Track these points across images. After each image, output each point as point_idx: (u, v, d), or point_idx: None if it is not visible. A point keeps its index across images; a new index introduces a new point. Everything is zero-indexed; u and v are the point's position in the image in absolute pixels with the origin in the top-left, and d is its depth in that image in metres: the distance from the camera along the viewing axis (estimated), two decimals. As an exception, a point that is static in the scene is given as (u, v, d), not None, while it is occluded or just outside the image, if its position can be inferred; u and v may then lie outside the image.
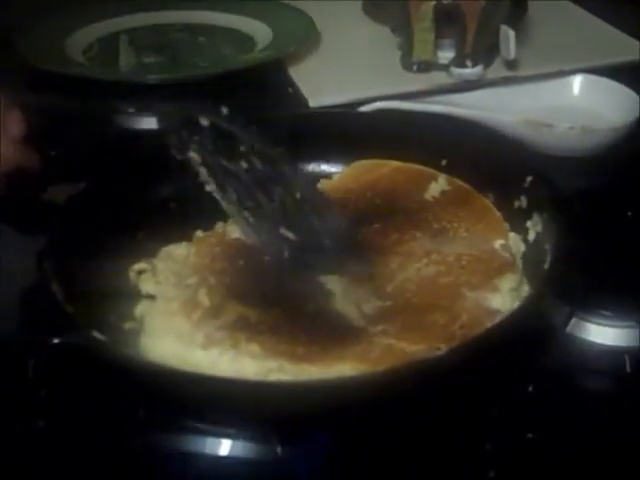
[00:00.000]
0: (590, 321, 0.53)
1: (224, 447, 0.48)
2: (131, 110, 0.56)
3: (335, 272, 0.55)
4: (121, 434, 0.49)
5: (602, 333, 0.53)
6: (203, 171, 0.55)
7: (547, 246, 0.55)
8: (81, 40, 0.90)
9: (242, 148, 0.53)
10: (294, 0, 0.96)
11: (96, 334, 0.48)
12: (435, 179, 0.63)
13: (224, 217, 0.59)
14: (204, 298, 0.53)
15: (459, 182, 0.63)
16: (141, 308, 0.54)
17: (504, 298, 0.53)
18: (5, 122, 0.54)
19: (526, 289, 0.54)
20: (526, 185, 0.59)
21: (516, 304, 0.52)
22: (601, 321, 0.53)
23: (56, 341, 0.48)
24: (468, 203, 0.62)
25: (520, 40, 0.80)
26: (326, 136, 0.66)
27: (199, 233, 0.60)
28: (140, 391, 0.48)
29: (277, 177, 0.54)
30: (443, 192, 0.63)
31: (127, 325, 0.53)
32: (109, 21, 0.95)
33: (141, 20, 0.97)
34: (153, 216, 0.59)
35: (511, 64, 0.81)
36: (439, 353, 0.48)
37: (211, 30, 0.96)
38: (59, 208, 0.57)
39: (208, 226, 0.60)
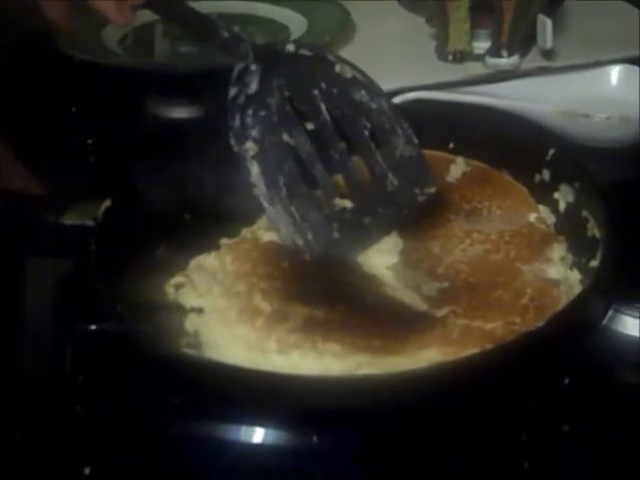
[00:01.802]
0: (627, 314, 0.53)
1: (258, 435, 0.48)
2: (225, 34, 0.55)
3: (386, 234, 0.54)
4: (156, 421, 0.49)
5: (638, 326, 0.53)
6: (255, 169, 0.49)
7: (585, 213, 0.56)
8: (117, 30, 0.90)
9: (316, 91, 0.52)
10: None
11: (132, 322, 0.48)
12: (453, 161, 0.63)
13: (248, 222, 0.58)
14: (262, 304, 0.51)
15: (476, 162, 0.63)
16: (191, 322, 0.53)
17: (557, 267, 0.54)
18: None
19: (570, 257, 0.55)
20: (548, 158, 0.60)
21: (568, 272, 0.54)
22: (638, 314, 0.53)
23: (93, 327, 0.49)
24: (491, 181, 0.62)
25: (557, 29, 0.79)
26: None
27: (226, 241, 0.58)
28: (178, 380, 0.48)
29: (346, 125, 0.53)
30: (464, 173, 0.63)
31: (183, 340, 0.52)
32: (144, 11, 0.95)
33: (176, 10, 0.97)
34: (170, 229, 0.58)
35: (548, 54, 0.80)
36: (542, 323, 0.48)
37: (246, 19, 0.95)
38: (87, 230, 0.55)
39: (232, 233, 0.58)
